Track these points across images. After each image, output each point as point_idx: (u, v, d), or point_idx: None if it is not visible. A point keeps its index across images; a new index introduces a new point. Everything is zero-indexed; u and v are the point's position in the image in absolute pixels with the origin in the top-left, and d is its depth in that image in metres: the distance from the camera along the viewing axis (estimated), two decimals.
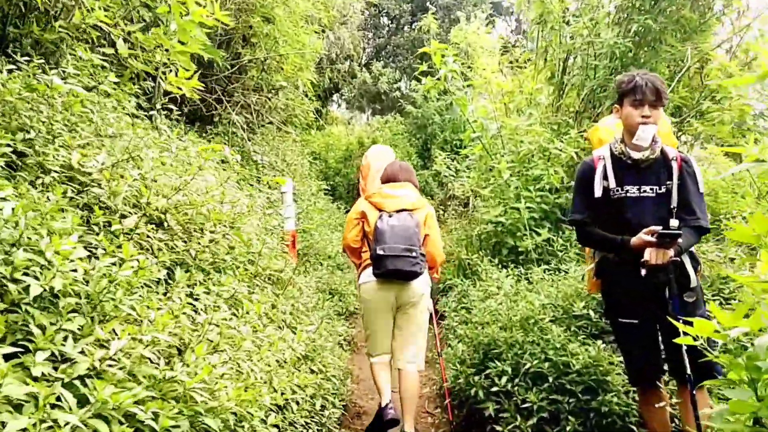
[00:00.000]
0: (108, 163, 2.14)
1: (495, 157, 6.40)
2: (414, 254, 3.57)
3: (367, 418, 4.24)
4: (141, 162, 2.37)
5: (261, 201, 5.94)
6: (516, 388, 3.64)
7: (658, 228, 2.72)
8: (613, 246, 3.02)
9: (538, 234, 5.43)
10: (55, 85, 2.35)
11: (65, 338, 1.46)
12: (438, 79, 6.18)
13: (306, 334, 3.00)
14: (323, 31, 10.10)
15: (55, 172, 2.07)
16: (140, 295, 1.82)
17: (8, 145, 1.97)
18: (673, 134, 3.14)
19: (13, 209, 1.56)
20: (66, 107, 2.48)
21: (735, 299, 3.90)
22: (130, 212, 2.14)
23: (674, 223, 2.81)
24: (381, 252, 3.54)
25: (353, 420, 4.30)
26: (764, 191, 5.16)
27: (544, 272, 4.64)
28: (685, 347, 2.73)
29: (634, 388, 3.27)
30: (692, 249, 2.91)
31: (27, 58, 2.79)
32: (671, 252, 2.71)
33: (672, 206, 2.85)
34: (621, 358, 3.54)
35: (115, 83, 3.40)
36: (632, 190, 2.92)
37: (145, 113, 4.83)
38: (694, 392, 2.65)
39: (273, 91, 7.51)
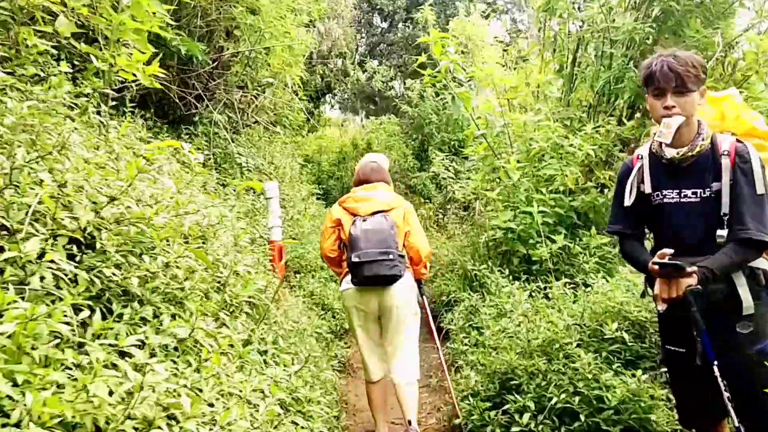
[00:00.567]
0: (6, 166, 1.56)
1: (501, 157, 5.84)
2: (391, 257, 3.42)
3: None
4: (59, 163, 1.78)
5: (244, 209, 5.36)
6: (541, 427, 3.08)
7: (669, 251, 2.24)
8: (639, 268, 2.54)
9: (553, 241, 4.86)
10: None
11: None
12: (438, 71, 5.61)
13: (285, 382, 2.41)
14: (312, 25, 9.53)
15: None
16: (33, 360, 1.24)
17: None
18: (745, 114, 2.53)
19: None
20: None
21: None
22: (37, 232, 1.56)
23: (722, 233, 2.25)
24: (356, 259, 3.42)
25: None
26: None
27: (565, 286, 4.07)
28: (726, 391, 2.21)
29: None
30: (754, 264, 2.32)
31: None
32: (688, 281, 2.20)
33: (723, 212, 2.27)
34: (667, 392, 3.00)
35: (71, 74, 2.85)
36: (671, 195, 2.39)
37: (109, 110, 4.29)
38: None
39: (259, 88, 6.92)
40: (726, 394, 2.20)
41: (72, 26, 2.86)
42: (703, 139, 2.33)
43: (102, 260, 1.79)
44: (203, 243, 2.61)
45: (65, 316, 1.41)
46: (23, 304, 1.29)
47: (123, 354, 1.53)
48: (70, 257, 1.72)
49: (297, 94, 9.74)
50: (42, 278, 1.53)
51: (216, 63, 6.43)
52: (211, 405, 1.75)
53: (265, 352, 2.68)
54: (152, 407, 1.37)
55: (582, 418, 2.99)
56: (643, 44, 5.29)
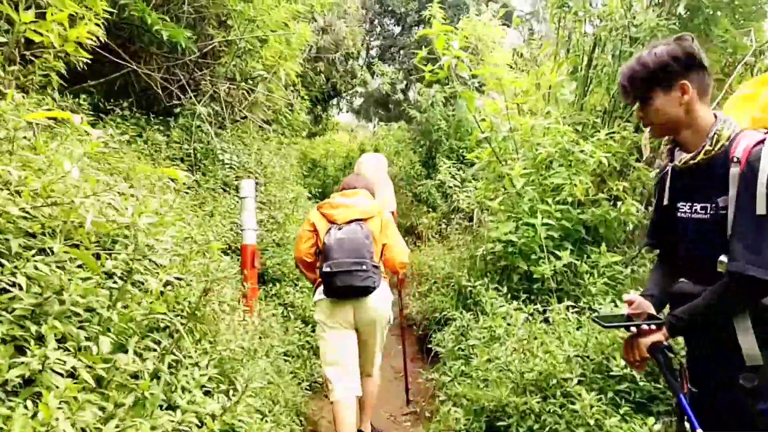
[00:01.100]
0: None
1: (506, 163, 5.34)
2: (365, 267, 3.31)
3: None
4: None
5: (221, 209, 4.89)
6: None
7: (634, 298, 2.06)
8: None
9: (558, 257, 4.35)
10: None
11: None
12: (440, 67, 5.13)
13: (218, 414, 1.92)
14: (313, 19, 9.10)
15: None
16: None
17: None
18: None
19: None
20: None
21: None
22: None
23: (723, 260, 1.78)
24: (328, 269, 3.32)
25: None
26: None
27: (568, 310, 3.54)
28: None
29: None
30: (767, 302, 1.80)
31: None
32: (651, 339, 1.91)
33: (728, 234, 1.79)
34: None
35: None
36: (684, 209, 1.97)
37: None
38: None
39: (250, 81, 6.48)
40: None
41: None
42: (711, 143, 1.84)
43: None
44: (110, 249, 2.13)
45: None
46: None
47: None
48: None
49: (298, 93, 9.32)
50: None
51: (204, 52, 6.00)
52: None
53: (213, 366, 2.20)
54: None
55: None
56: None
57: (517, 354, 3.13)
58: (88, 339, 1.59)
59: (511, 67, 7.34)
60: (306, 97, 9.94)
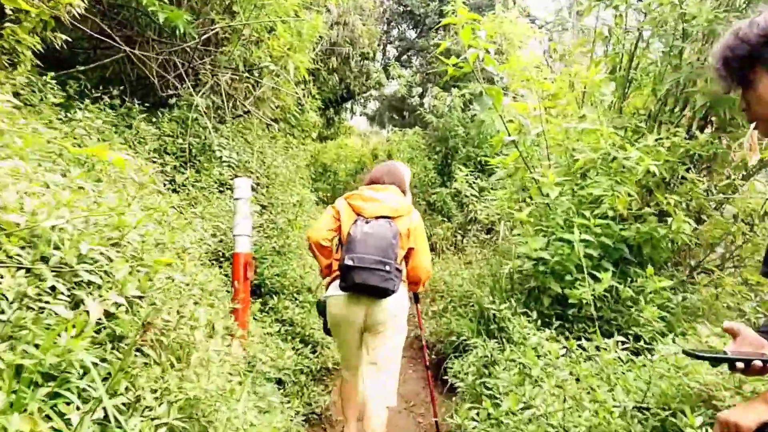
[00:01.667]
0: None
1: (534, 170, 4.76)
2: (388, 268, 3.10)
3: None
4: None
5: (210, 210, 4.34)
6: None
7: (737, 326, 1.53)
8: None
9: (598, 279, 3.75)
10: None
11: None
12: (464, 59, 4.56)
13: None
14: (327, 10, 8.57)
15: None
16: None
17: None
18: None
19: None
20: None
21: None
22: None
23: None
24: (350, 263, 3.09)
25: None
26: None
27: (617, 345, 2.93)
28: None
29: None
30: None
31: None
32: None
33: None
34: None
35: None
36: None
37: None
38: None
39: (254, 73, 5.95)
40: None
41: None
42: None
43: None
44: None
45: None
46: None
47: None
48: None
49: (309, 91, 8.80)
50: None
51: (205, 39, 5.48)
52: None
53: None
54: None
55: None
56: None
57: (559, 402, 2.54)
58: None
59: (538, 68, 6.76)
60: (318, 96, 9.42)
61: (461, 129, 12.25)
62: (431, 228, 10.19)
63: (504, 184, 6.88)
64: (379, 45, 13.27)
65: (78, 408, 1.42)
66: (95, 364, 1.49)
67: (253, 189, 5.51)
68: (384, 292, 3.14)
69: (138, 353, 2.00)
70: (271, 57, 6.12)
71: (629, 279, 3.90)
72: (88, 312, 1.60)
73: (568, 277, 3.89)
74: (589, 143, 4.49)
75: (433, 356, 5.28)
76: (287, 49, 6.17)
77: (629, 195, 4.02)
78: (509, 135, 4.80)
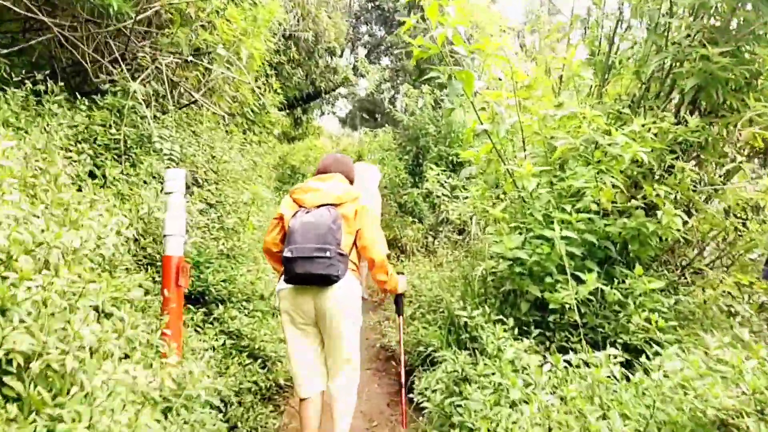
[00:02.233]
0: None
1: (510, 161, 4.33)
2: (328, 254, 3.02)
3: None
4: None
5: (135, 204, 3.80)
6: None
7: None
8: None
9: (581, 281, 3.31)
10: None
11: None
12: (431, 39, 4.10)
13: None
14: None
15: None
16: None
17: None
18: None
19: None
20: None
21: None
22: None
23: None
24: (288, 254, 3.04)
25: None
26: None
27: (609, 360, 2.48)
28: None
29: None
30: None
31: None
32: None
33: None
34: None
35: None
36: None
37: None
38: None
39: (202, 57, 5.41)
40: None
41: None
42: None
43: None
44: None
45: None
46: None
47: None
48: None
49: (270, 85, 8.28)
50: None
51: (145, 19, 4.93)
52: None
53: None
54: None
55: None
56: (719, 13, 3.79)
57: (542, 430, 2.07)
58: None
59: (517, 54, 6.33)
60: (280, 91, 8.89)
61: (432, 127, 11.82)
62: (402, 230, 9.74)
63: (476, 180, 6.46)
64: (347, 42, 12.77)
65: None
66: None
67: (197, 184, 4.98)
68: (327, 279, 3.04)
69: None
70: (225, 44, 5.59)
71: (615, 280, 3.47)
72: None
73: (548, 279, 3.45)
74: (568, 131, 4.07)
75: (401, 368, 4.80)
76: (240, 35, 5.65)
77: (614, 186, 3.59)
78: (481, 124, 4.36)
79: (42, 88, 4.26)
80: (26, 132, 3.73)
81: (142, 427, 1.95)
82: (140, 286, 3.09)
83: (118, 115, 4.53)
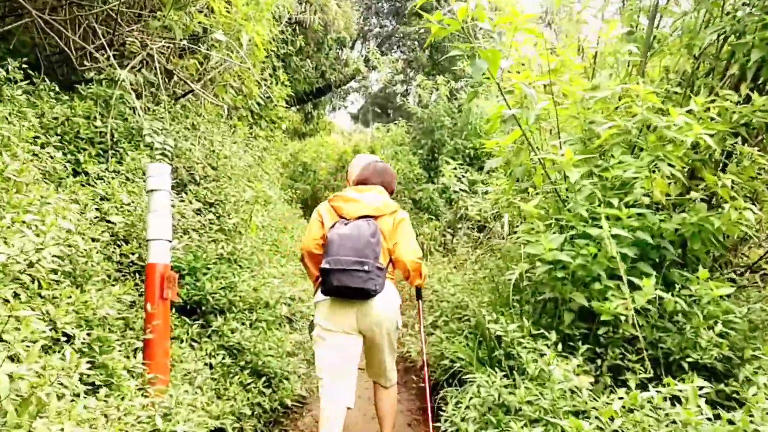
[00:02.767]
0: None
1: (542, 149, 3.83)
2: (367, 268, 2.93)
3: None
4: None
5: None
6: None
7: None
8: None
9: (636, 287, 2.81)
10: None
11: None
12: (450, 14, 3.60)
13: None
14: None
15: None
16: None
17: None
18: None
19: None
20: None
21: None
22: None
23: None
24: (326, 266, 2.95)
25: None
26: None
27: (699, 397, 1.97)
28: None
29: None
30: None
31: None
32: None
33: None
34: None
35: None
36: None
37: None
38: None
39: (200, 43, 4.96)
40: None
41: None
42: None
43: None
44: None
45: None
46: None
47: None
48: None
49: (278, 79, 7.83)
50: None
51: (133, 1, 4.49)
52: None
53: None
54: None
55: None
56: None
57: None
58: None
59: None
60: (288, 84, 8.43)
61: (448, 120, 11.32)
62: (418, 227, 9.25)
63: (501, 172, 5.97)
64: (358, 34, 12.27)
65: None
66: None
67: (194, 182, 4.53)
68: (366, 293, 2.97)
69: None
70: (225, 29, 5.13)
71: (676, 286, 2.96)
72: None
73: (596, 285, 2.94)
74: (608, 114, 3.57)
75: (423, 382, 4.32)
76: (242, 19, 5.19)
77: (670, 176, 3.08)
78: (508, 108, 3.86)
79: (20, 76, 3.84)
80: None
81: None
82: (118, 300, 2.65)
83: (104, 106, 4.09)
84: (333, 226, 3.12)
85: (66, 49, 4.35)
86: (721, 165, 3.39)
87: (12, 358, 1.58)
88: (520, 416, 2.45)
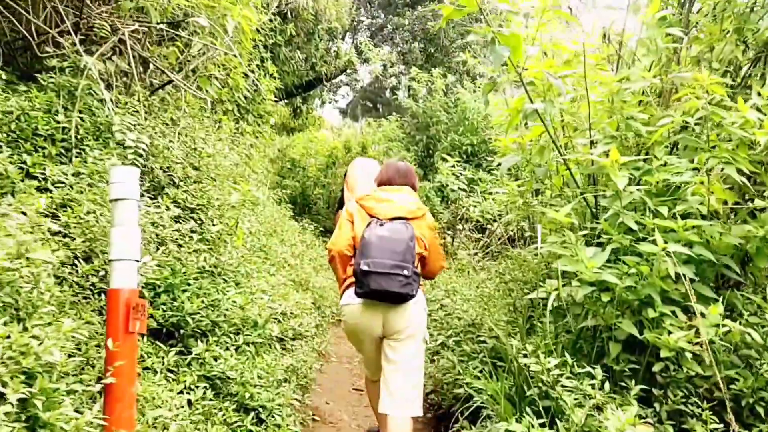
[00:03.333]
0: None
1: (566, 149, 3.37)
2: (406, 273, 2.91)
3: None
4: None
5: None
6: None
7: None
8: None
9: (700, 315, 2.34)
10: None
11: None
12: None
13: None
14: None
15: None
16: None
17: None
18: None
19: None
20: None
21: None
22: None
23: None
24: (365, 267, 2.90)
25: None
26: None
27: None
28: None
29: None
30: None
31: None
32: None
33: None
34: None
35: None
36: None
37: None
38: None
39: (180, 28, 4.44)
40: None
41: None
42: None
43: None
44: None
45: None
46: None
47: None
48: None
49: (267, 71, 7.31)
50: None
51: None
52: None
53: None
54: None
55: None
56: None
57: None
58: None
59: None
60: (276, 75, 7.91)
61: (444, 115, 10.85)
62: None
63: (508, 172, 5.53)
64: (349, 23, 11.75)
65: None
66: None
67: (173, 184, 4.02)
68: (403, 298, 2.95)
69: None
70: (207, 14, 4.60)
71: (741, 307, 2.50)
72: None
73: (648, 312, 2.48)
74: (642, 107, 3.11)
75: (431, 411, 3.85)
76: (228, 1, 4.66)
77: (733, 182, 2.62)
78: (531, 102, 3.38)
79: None
80: None
81: None
82: (69, 337, 2.14)
83: (68, 98, 3.56)
84: (368, 226, 3.08)
85: (27, 34, 3.81)
86: None
87: None
88: None
